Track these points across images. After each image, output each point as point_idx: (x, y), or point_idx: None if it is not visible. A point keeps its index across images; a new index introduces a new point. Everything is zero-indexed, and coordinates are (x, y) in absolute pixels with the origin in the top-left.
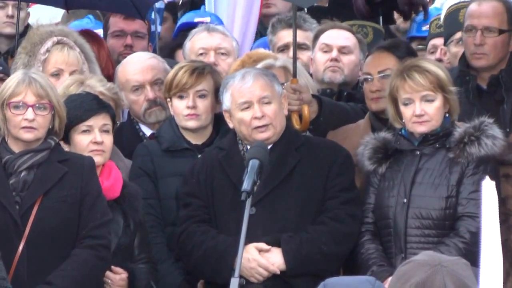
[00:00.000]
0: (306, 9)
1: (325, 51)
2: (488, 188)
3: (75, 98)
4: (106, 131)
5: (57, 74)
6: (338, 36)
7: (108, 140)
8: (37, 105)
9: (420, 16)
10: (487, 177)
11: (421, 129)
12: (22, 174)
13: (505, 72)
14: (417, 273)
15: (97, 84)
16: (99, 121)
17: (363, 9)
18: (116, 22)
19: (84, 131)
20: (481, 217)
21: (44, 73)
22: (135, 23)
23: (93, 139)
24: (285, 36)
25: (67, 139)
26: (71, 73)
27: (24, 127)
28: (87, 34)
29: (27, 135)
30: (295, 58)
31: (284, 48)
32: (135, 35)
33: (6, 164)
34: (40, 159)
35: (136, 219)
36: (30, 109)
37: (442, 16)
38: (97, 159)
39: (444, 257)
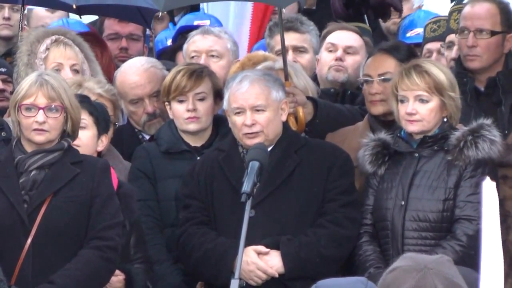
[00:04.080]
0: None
1: (331, 51)
2: (489, 189)
3: None
4: (81, 127)
5: (57, 70)
6: (344, 37)
7: (83, 135)
8: (48, 107)
9: (405, 22)
10: (488, 178)
11: (411, 128)
12: (32, 173)
13: (502, 74)
14: (405, 280)
15: (95, 86)
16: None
17: (340, 11)
18: (111, 25)
19: None
20: (481, 218)
21: (45, 69)
22: (129, 25)
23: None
24: None
25: None
26: (71, 67)
27: (35, 129)
28: (91, 36)
29: (38, 138)
30: (285, 62)
31: (281, 52)
32: (130, 38)
33: (18, 164)
34: (51, 159)
35: (131, 219)
36: (41, 111)
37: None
38: None
39: (426, 258)
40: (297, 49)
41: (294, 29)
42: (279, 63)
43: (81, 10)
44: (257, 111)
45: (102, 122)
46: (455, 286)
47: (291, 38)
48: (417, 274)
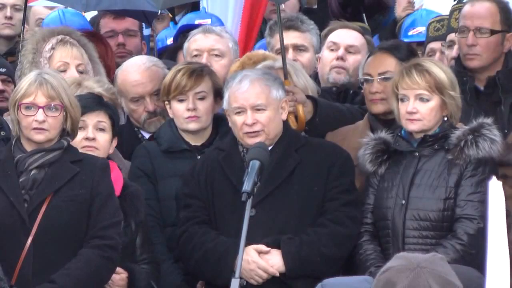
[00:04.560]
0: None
1: (332, 50)
2: (495, 188)
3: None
4: (101, 129)
5: (63, 70)
6: (346, 35)
7: (102, 137)
8: (48, 106)
9: (407, 21)
10: (494, 178)
11: (411, 127)
12: (32, 172)
13: (502, 73)
14: (399, 279)
15: (94, 85)
16: (94, 118)
17: (336, 11)
18: (107, 23)
19: (79, 128)
20: (483, 217)
21: (51, 69)
22: (125, 21)
23: (85, 135)
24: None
25: None
26: (77, 67)
27: (35, 128)
28: (95, 35)
29: (38, 136)
30: (284, 61)
31: (281, 50)
32: (126, 34)
33: (18, 163)
34: (51, 158)
35: (137, 219)
36: (40, 110)
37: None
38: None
39: (419, 257)
40: (297, 48)
41: (294, 27)
42: (279, 62)
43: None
44: (258, 110)
45: (116, 125)
46: (449, 284)
47: (292, 37)
48: (411, 273)
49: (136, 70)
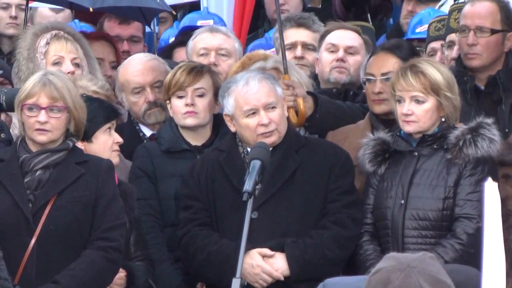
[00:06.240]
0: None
1: (332, 51)
2: (491, 189)
3: (91, 99)
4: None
5: (58, 63)
6: (345, 37)
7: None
8: (50, 107)
9: (415, 19)
10: (490, 178)
11: (407, 128)
12: (38, 173)
13: (503, 73)
14: (390, 280)
15: (88, 84)
16: (114, 124)
17: (340, 11)
18: (112, 27)
19: (106, 131)
20: (482, 217)
21: (46, 63)
22: (130, 27)
23: (115, 140)
24: (292, 34)
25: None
26: (72, 60)
27: (37, 129)
28: (103, 36)
29: (40, 137)
30: (284, 55)
31: (291, 47)
32: (131, 40)
33: (23, 163)
34: (57, 159)
35: (131, 217)
36: (43, 111)
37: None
38: (117, 160)
39: (409, 257)
40: (306, 46)
41: (306, 26)
42: (270, 63)
43: (74, 6)
44: (270, 109)
45: None
46: (440, 282)
47: (303, 35)
48: (401, 273)
49: (138, 62)
